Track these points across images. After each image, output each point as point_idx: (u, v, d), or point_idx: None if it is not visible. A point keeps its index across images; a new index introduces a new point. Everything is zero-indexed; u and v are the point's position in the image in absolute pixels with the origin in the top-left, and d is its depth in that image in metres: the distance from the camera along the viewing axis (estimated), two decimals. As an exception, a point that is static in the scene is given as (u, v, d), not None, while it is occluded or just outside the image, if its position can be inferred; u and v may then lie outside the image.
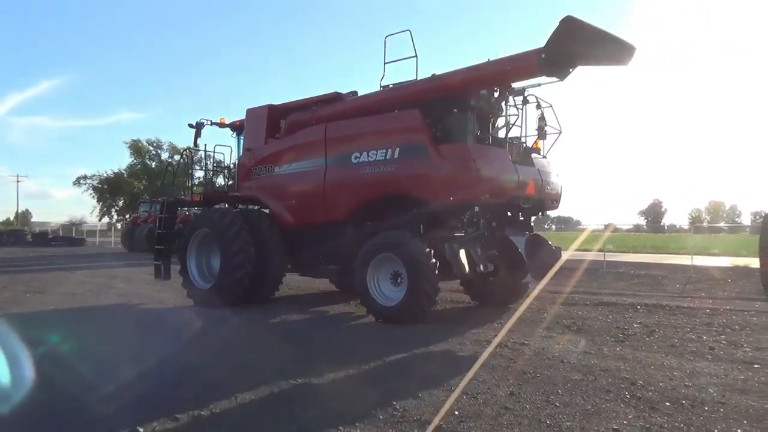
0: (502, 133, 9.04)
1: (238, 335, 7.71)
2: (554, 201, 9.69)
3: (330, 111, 9.69)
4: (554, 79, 7.77)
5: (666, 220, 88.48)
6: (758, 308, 9.86)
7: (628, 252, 27.60)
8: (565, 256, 17.82)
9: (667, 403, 4.52)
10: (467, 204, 8.26)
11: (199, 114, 54.78)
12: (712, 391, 4.86)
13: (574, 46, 7.02)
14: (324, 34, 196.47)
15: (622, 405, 4.49)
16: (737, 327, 7.96)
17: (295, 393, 4.93)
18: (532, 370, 5.54)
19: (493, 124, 8.99)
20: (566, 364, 5.78)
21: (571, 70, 7.52)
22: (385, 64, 9.23)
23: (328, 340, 7.41)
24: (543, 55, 7.24)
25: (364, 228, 9.08)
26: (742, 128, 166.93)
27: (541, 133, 9.20)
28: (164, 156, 53.04)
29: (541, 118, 9.07)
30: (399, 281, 8.23)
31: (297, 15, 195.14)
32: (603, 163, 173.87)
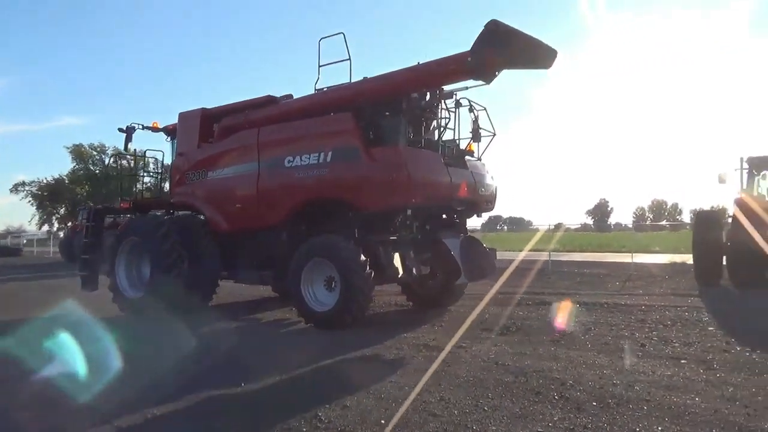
0: (440, 137, 9.00)
1: (156, 345, 7.29)
2: (489, 203, 9.77)
3: (263, 115, 9.49)
4: (481, 82, 7.84)
5: (612, 219, 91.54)
6: (690, 304, 10.14)
7: (575, 251, 28.26)
8: (519, 257, 18.27)
9: (594, 403, 4.49)
10: (400, 207, 8.24)
11: (142, 118, 52.97)
12: (638, 388, 4.87)
13: (498, 50, 7.07)
14: (264, 36, 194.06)
15: (549, 406, 4.43)
16: (669, 323, 8.12)
17: (212, 405, 4.67)
18: (465, 373, 5.44)
19: (426, 127, 8.95)
20: (500, 366, 5.71)
21: (497, 73, 7.58)
22: (319, 67, 9.08)
23: (257, 347, 7.17)
24: (470, 59, 7.25)
25: (299, 233, 8.92)
26: (683, 128, 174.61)
27: (476, 136, 9.25)
28: (108, 161, 51.10)
29: (475, 121, 9.15)
30: (333, 286, 8.10)
31: (239, 16, 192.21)
32: (553, 164, 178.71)
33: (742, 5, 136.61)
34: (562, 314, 8.89)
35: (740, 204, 12.72)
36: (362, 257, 7.86)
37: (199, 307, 9.68)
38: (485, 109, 9.21)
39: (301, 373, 5.64)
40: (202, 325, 8.46)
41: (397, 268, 8.18)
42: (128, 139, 10.81)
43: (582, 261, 21.11)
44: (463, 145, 9.32)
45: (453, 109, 8.94)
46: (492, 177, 9.77)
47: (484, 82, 7.88)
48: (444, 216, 9.67)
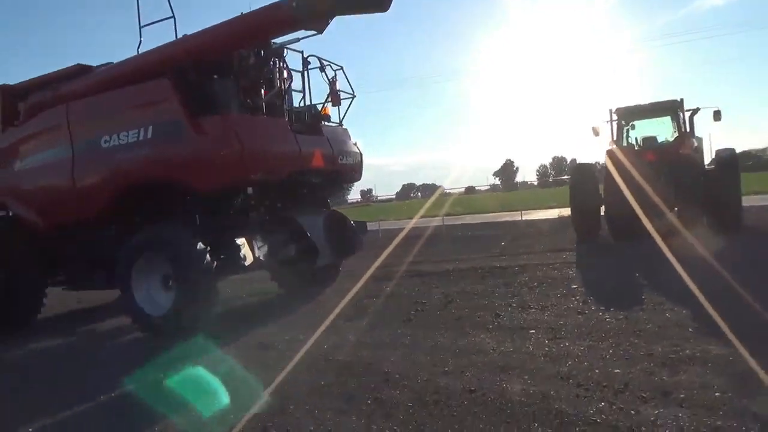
0: (284, 100, 7.92)
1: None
2: (353, 172, 8.89)
3: (75, 87, 7.96)
4: (313, 32, 6.87)
5: (519, 178, 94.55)
6: (564, 259, 9.93)
7: (476, 213, 28.43)
8: (410, 225, 17.75)
9: (409, 404, 3.78)
10: (239, 185, 7.16)
11: None
12: (469, 375, 4.24)
13: None
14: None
15: (354, 417, 3.67)
16: (535, 284, 7.72)
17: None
18: (290, 376, 4.60)
19: (268, 91, 7.80)
20: (329, 363, 4.93)
21: (328, 20, 6.62)
22: (140, 27, 7.76)
23: (76, 365, 5.98)
24: (295, 4, 6.24)
25: (131, 225, 7.62)
26: (578, 85, 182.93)
27: (334, 99, 8.26)
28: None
29: (332, 82, 8.14)
30: (170, 284, 6.88)
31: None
32: (462, 129, 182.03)
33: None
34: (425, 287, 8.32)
35: (610, 155, 12.72)
36: (199, 247, 6.64)
37: (25, 324, 8.21)
38: (342, 68, 8.24)
39: (115, 395, 4.60)
40: (18, 344, 7.14)
41: (240, 257, 6.97)
42: None
43: (476, 223, 21.08)
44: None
45: (301, 70, 7.94)
46: (356, 144, 8.89)
47: (316, 32, 6.88)
48: (305, 191, 8.63)
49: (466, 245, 14.16)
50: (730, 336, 4.26)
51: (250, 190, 7.47)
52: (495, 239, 14.87)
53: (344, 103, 8.45)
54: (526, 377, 4.09)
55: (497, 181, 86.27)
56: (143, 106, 7.11)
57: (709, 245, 7.82)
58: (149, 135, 6.97)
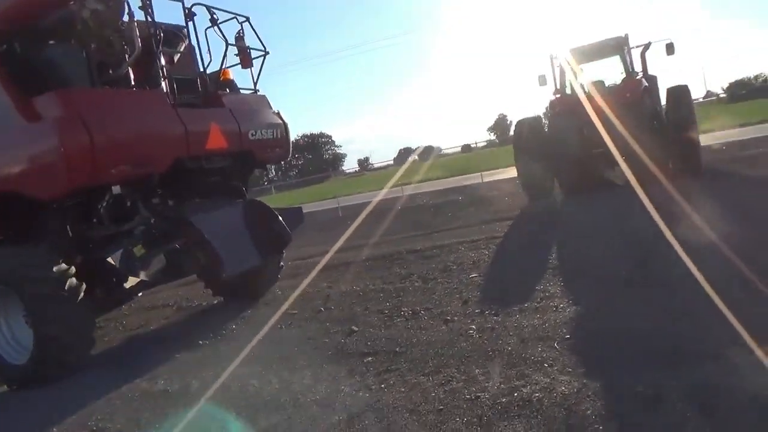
0: (160, 67, 6.15)
1: None
2: (274, 149, 7.01)
3: None
4: None
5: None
6: (494, 232, 8.69)
7: (450, 177, 27.04)
8: (377, 197, 16.59)
9: None
10: (98, 187, 5.48)
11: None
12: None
13: None
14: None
15: None
16: (434, 275, 6.51)
17: None
18: None
19: (138, 56, 5.81)
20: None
21: None
22: None
23: None
24: None
25: None
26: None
27: (244, 59, 6.76)
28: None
29: (239, 38, 6.67)
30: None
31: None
32: (453, 86, 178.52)
33: None
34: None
35: (553, 106, 11.40)
36: (57, 270, 5.12)
37: None
38: (248, 19, 6.69)
39: None
40: None
41: (120, 277, 5.59)
42: None
43: (443, 190, 19.80)
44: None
45: (177, 30, 6.39)
46: (277, 113, 7.14)
47: None
48: (208, 180, 6.75)
49: (410, 220, 12.92)
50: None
51: (117, 189, 5.73)
52: (447, 208, 13.67)
53: (255, 63, 6.89)
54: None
55: (493, 137, 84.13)
56: None
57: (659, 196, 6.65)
58: None
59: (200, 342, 5.54)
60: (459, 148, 69.24)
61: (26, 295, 5.11)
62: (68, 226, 5.90)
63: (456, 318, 4.71)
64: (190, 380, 4.38)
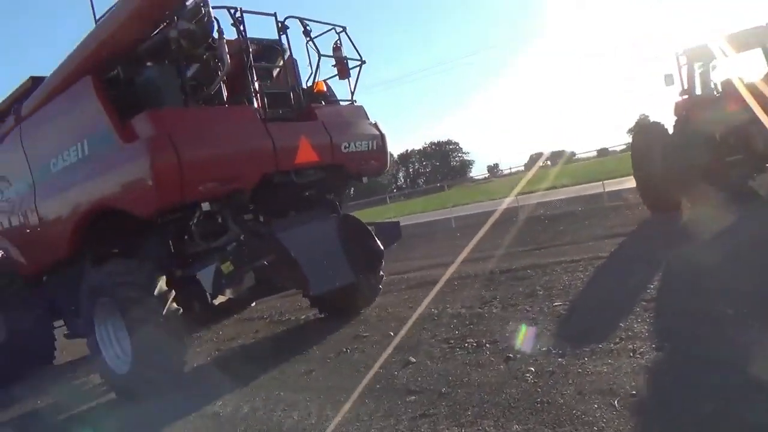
0: (252, 82, 6.12)
1: None
2: (369, 162, 6.81)
3: (28, 104, 7.03)
4: None
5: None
6: (598, 253, 7.86)
7: (577, 185, 25.36)
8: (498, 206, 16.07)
9: None
10: (188, 204, 5.52)
11: None
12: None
13: None
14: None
15: None
16: (517, 301, 6.01)
17: None
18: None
19: (235, 74, 6.06)
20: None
21: None
22: (96, 21, 6.17)
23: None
24: None
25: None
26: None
27: (341, 70, 6.71)
28: None
29: (336, 48, 6.63)
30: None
31: None
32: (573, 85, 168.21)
33: None
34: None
35: (678, 109, 10.16)
36: (159, 288, 5.31)
37: (34, 372, 7.64)
38: (345, 29, 6.64)
39: None
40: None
41: (210, 294, 5.55)
42: None
43: (564, 199, 18.58)
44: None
45: (275, 44, 6.41)
46: (375, 125, 7.01)
47: None
48: (302, 195, 6.76)
49: (518, 234, 12.25)
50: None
51: (206, 206, 5.67)
52: (561, 221, 12.79)
53: (352, 74, 6.81)
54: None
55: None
56: (74, 115, 6.08)
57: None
58: (86, 151, 5.94)
59: (266, 361, 5.59)
60: (595, 153, 65.12)
61: (123, 311, 5.33)
62: (171, 243, 6.25)
63: (519, 355, 4.26)
64: (241, 404, 4.41)
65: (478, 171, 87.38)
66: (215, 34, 5.81)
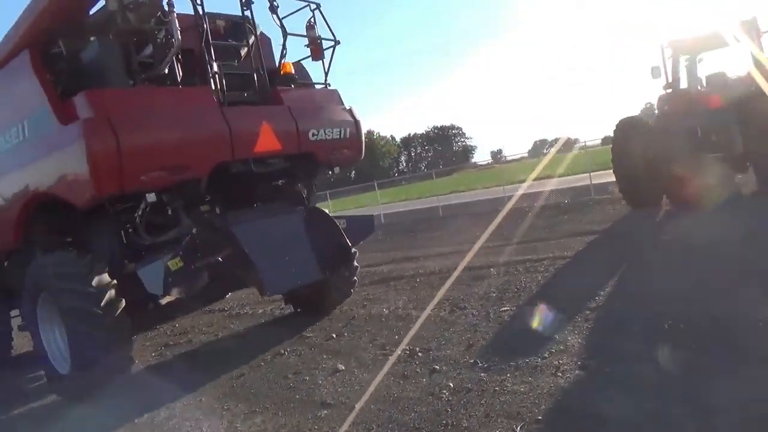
0: (209, 60, 5.59)
1: None
2: (343, 149, 6.31)
3: None
4: None
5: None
6: (564, 252, 7.66)
7: (572, 175, 25.03)
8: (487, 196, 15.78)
9: None
10: (130, 195, 5.01)
11: None
12: None
13: None
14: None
15: None
16: (458, 306, 5.83)
17: None
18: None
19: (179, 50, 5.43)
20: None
21: None
22: None
23: None
24: None
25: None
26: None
27: (315, 50, 6.26)
28: None
29: (310, 27, 6.17)
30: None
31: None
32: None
33: None
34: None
35: (661, 103, 9.88)
36: (94, 278, 4.87)
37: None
38: (318, 6, 6.15)
39: None
40: None
41: (155, 291, 5.02)
42: None
43: (557, 189, 18.32)
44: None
45: (239, 18, 5.91)
46: (349, 110, 6.46)
47: None
48: (263, 186, 6.38)
49: (498, 227, 12.03)
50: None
51: (152, 197, 5.10)
52: (543, 214, 12.59)
53: (326, 55, 6.34)
54: None
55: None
56: (13, 94, 5.67)
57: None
58: (26, 134, 5.52)
59: (205, 361, 5.47)
60: (599, 141, 64.50)
61: (61, 308, 4.94)
62: (123, 235, 5.77)
63: (444, 368, 4.09)
64: (161, 410, 4.28)
65: (481, 157, 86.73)
66: (165, 7, 5.30)
